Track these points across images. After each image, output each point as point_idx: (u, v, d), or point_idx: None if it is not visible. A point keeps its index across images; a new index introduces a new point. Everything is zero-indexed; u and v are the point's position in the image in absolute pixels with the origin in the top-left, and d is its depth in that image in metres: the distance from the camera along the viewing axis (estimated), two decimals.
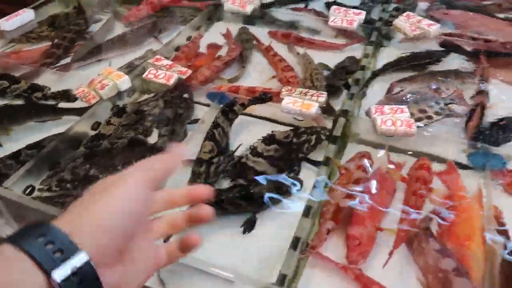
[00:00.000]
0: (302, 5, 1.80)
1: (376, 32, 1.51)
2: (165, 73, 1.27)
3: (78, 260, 0.39)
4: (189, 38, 1.57)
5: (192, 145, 1.11)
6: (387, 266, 0.84)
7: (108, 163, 1.04)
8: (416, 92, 1.20)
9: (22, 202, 0.91)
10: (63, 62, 1.47)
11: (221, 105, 1.18)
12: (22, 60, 1.45)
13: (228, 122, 1.13)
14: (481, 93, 1.22)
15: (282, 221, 0.93)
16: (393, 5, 1.74)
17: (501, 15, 1.64)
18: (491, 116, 1.17)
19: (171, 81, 1.25)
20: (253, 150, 1.06)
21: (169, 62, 1.33)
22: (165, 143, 1.08)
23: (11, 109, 1.23)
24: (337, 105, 1.22)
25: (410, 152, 1.08)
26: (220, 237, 0.91)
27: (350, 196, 0.93)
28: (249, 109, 1.19)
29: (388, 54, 1.46)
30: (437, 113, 1.12)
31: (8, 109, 1.23)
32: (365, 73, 1.34)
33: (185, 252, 0.55)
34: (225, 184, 1.02)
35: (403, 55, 1.41)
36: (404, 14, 1.53)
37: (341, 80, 1.31)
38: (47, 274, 0.38)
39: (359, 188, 0.95)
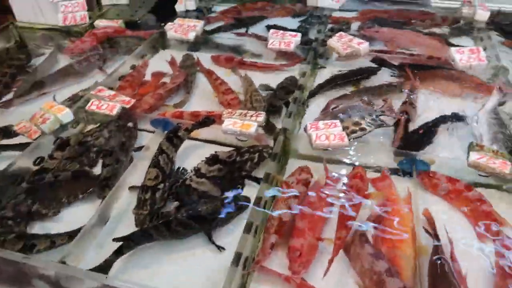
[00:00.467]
0: (243, 30, 1.87)
1: (312, 52, 1.60)
2: (108, 104, 1.28)
3: None
4: (133, 67, 1.60)
5: (137, 172, 1.13)
6: (329, 273, 0.87)
7: (52, 196, 1.04)
8: (351, 106, 1.28)
9: None
10: (4, 99, 1.45)
11: (166, 131, 1.21)
12: None
13: (173, 148, 1.15)
14: (405, 103, 1.31)
15: (225, 239, 0.96)
16: (329, 25, 1.85)
17: (426, 31, 1.79)
18: (421, 122, 1.27)
19: (114, 111, 1.27)
20: (197, 172, 1.09)
21: (112, 93, 1.35)
22: (110, 173, 1.09)
23: None
24: (280, 123, 1.28)
25: (348, 163, 1.14)
26: (166, 261, 0.93)
27: (292, 210, 0.97)
28: (195, 133, 1.22)
29: (326, 73, 1.54)
30: (369, 125, 1.19)
31: None
32: (303, 92, 1.41)
33: None
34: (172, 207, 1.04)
35: (338, 73, 1.49)
36: (337, 34, 1.63)
37: (282, 99, 1.38)
38: None
39: (299, 201, 1.00)
